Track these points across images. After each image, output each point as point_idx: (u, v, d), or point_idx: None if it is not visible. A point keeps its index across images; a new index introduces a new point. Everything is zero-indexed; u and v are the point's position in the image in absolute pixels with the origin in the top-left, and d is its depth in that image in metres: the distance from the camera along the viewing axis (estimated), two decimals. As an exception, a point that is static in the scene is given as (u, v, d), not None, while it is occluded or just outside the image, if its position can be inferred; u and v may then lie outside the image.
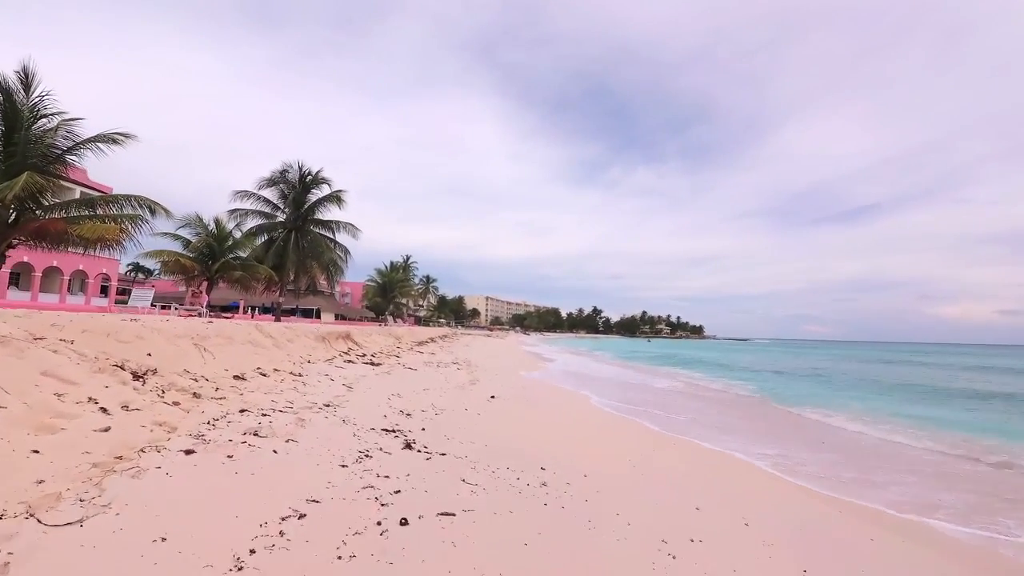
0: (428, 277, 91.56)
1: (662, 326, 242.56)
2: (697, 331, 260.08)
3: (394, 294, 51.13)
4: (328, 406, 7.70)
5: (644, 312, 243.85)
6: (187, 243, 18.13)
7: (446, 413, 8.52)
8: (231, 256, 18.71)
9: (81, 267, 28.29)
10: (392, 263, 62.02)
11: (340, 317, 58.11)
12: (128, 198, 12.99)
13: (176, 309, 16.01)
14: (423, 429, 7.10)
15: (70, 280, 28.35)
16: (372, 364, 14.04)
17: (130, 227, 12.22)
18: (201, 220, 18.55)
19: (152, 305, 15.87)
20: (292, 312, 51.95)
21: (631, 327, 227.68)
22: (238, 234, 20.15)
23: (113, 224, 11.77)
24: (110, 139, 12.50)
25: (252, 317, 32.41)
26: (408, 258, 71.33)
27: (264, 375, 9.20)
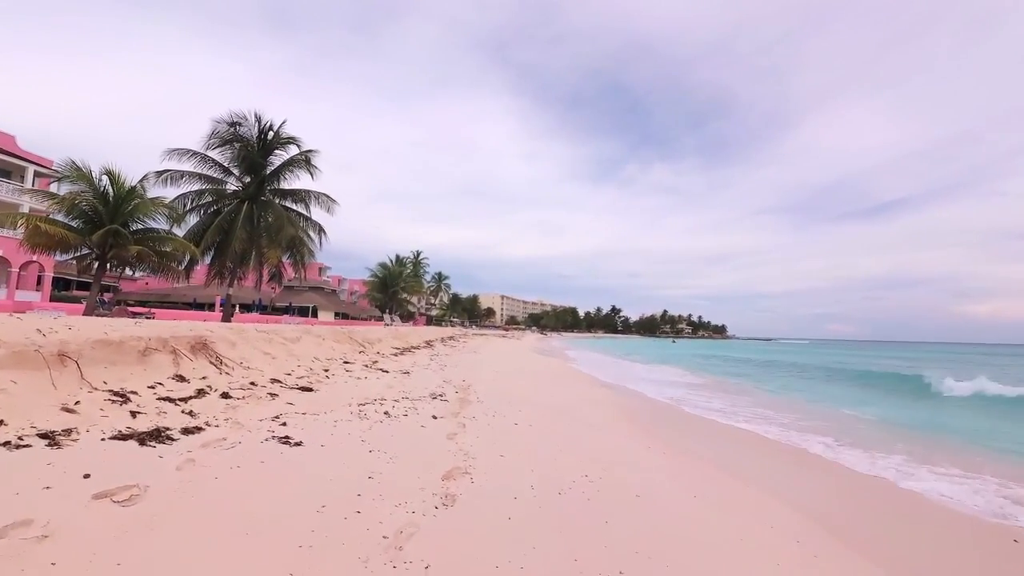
0: (440, 274, 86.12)
1: (683, 325, 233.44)
2: (720, 331, 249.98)
3: (395, 289, 45.19)
4: None
5: (665, 311, 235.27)
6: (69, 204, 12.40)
7: None
8: (136, 228, 12.92)
9: (0, 253, 23.05)
10: (398, 257, 56.38)
11: (342, 316, 52.41)
12: None
13: None
14: None
15: (-11, 270, 23.07)
16: (180, 434, 4.76)
17: None
18: (82, 171, 12.66)
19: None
20: (286, 310, 46.24)
21: (651, 327, 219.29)
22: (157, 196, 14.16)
23: None
24: None
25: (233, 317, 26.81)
26: (419, 254, 65.82)
27: None
